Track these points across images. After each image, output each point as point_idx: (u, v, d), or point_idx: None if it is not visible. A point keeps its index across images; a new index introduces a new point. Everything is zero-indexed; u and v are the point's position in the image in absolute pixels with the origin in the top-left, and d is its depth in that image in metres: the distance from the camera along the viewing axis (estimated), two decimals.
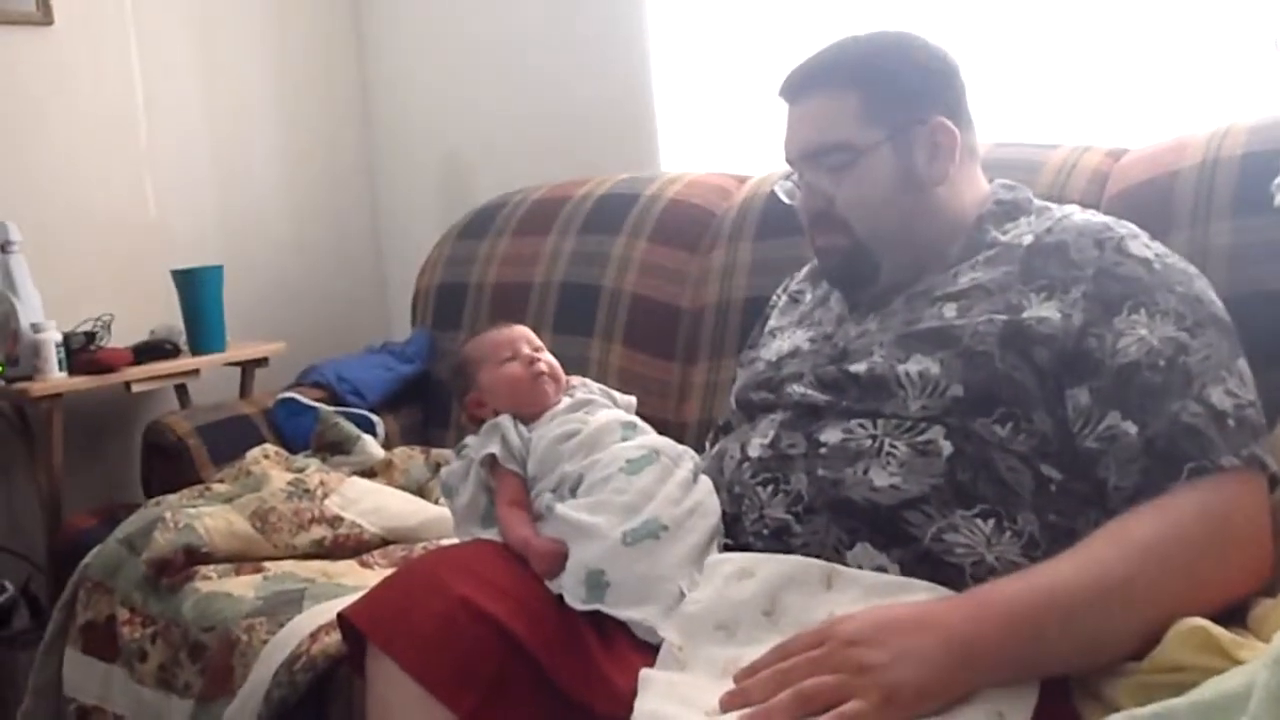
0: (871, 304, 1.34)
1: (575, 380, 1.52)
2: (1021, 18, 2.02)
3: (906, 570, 1.13)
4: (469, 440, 1.45)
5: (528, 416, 1.44)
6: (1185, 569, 1.05)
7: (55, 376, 2.33)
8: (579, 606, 1.20)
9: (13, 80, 2.60)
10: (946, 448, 1.17)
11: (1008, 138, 1.75)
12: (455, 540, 1.45)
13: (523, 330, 1.54)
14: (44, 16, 2.62)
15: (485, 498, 1.41)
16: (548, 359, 1.49)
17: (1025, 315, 1.19)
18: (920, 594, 1.10)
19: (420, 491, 2.11)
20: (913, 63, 1.32)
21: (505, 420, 1.42)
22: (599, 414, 1.42)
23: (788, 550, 1.18)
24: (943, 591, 1.10)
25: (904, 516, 1.15)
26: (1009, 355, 1.18)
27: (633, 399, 1.53)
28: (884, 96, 1.30)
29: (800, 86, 1.34)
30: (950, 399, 1.18)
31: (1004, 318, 1.20)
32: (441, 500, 1.82)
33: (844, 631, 1.03)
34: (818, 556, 1.15)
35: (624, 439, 1.37)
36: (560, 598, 1.21)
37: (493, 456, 1.38)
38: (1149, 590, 1.04)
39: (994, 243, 1.29)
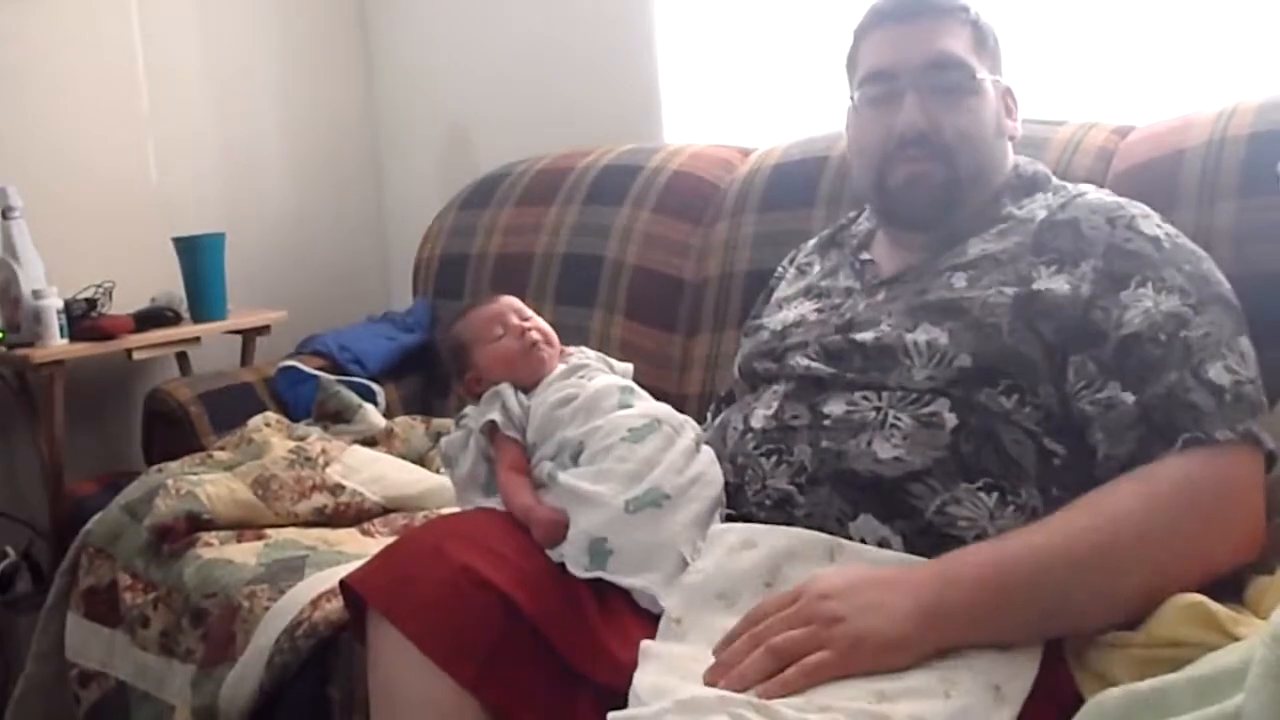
0: (881, 281, 1.34)
1: (571, 349, 1.52)
2: None
3: (909, 542, 1.13)
4: (468, 410, 1.46)
5: (527, 386, 1.44)
6: (1164, 538, 1.06)
7: (56, 343, 2.33)
8: (581, 574, 1.20)
9: (12, 44, 2.58)
10: (951, 420, 1.17)
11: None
12: (457, 509, 1.46)
13: (509, 301, 1.54)
14: None
15: (486, 466, 1.41)
16: (538, 324, 1.49)
17: (1035, 286, 1.20)
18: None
19: (421, 460, 2.12)
20: (988, 23, 1.37)
21: (504, 388, 1.42)
22: (596, 379, 1.43)
23: (790, 521, 1.19)
24: (918, 560, 1.11)
25: (907, 489, 1.15)
26: (1018, 327, 1.18)
27: (629, 366, 1.53)
28: (983, 40, 1.34)
29: (913, 8, 1.34)
30: (957, 369, 1.19)
31: (1014, 289, 1.20)
32: (442, 469, 1.83)
33: (816, 587, 1.06)
34: (820, 528, 1.16)
35: (622, 404, 1.37)
36: (562, 566, 1.22)
37: (493, 423, 1.38)
38: (1123, 558, 1.05)
39: (1008, 217, 1.30)
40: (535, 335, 1.47)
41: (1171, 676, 0.92)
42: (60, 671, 1.91)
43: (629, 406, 1.37)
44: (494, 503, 1.37)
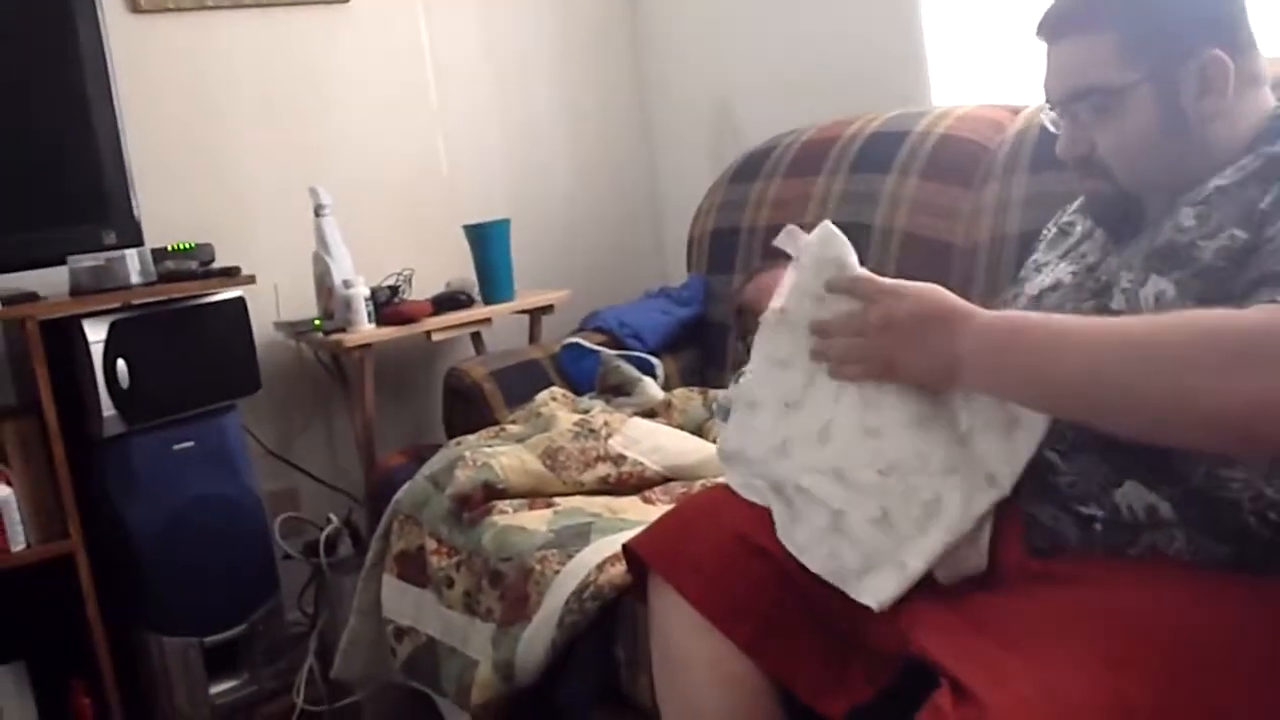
0: (1134, 232, 1.27)
1: None
2: None
3: (1179, 509, 1.08)
4: (746, 369, 1.51)
5: None
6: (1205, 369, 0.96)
7: (365, 328, 2.51)
8: None
9: (316, 57, 2.81)
10: None
11: None
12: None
13: None
14: None
15: None
16: None
17: (1268, 232, 1.06)
18: None
19: (698, 431, 2.16)
20: (1147, 9, 1.20)
21: None
22: None
23: (1051, 489, 1.15)
24: None
25: (1173, 452, 1.09)
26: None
27: None
28: (1144, 34, 1.19)
29: (1056, 27, 1.25)
30: None
31: (1245, 235, 1.08)
32: (718, 440, 1.87)
33: (879, 314, 1.16)
34: (1084, 495, 1.12)
35: None
36: None
37: None
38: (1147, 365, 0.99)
39: (1262, 155, 1.15)
40: None
41: None
42: (379, 626, 2.06)
43: None
44: None
